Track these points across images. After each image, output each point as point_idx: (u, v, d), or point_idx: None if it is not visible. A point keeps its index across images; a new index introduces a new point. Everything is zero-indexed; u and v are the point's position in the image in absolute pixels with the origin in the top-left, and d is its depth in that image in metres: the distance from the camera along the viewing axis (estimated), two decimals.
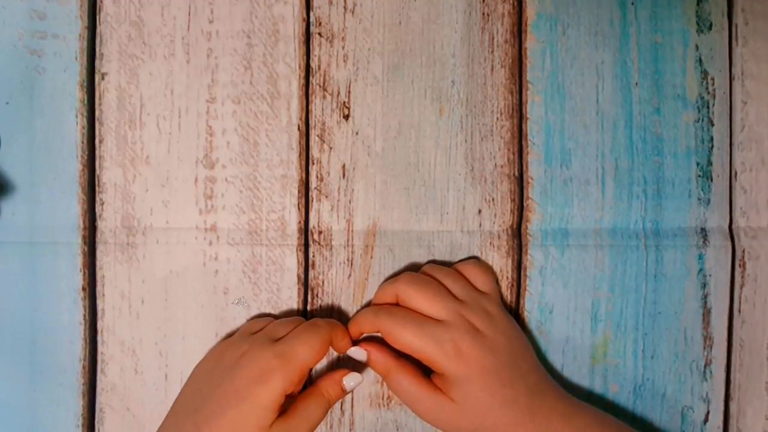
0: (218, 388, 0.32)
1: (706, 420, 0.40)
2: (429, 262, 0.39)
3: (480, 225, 0.39)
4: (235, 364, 0.33)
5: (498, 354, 0.34)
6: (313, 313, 0.39)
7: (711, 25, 0.41)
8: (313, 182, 0.39)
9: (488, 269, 0.38)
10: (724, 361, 0.40)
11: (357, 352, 0.36)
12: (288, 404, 0.33)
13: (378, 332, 0.35)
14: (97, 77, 0.38)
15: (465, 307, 0.35)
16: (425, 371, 0.35)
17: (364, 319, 0.36)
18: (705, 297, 0.40)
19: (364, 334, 0.37)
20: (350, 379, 0.35)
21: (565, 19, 0.40)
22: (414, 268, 0.39)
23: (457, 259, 0.39)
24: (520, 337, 0.37)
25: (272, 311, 0.39)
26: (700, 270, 0.40)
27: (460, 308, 0.35)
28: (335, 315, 0.39)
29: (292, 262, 0.38)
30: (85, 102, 0.38)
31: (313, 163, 0.39)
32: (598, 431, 0.34)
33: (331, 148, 0.39)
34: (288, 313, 0.38)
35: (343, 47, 0.39)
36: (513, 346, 0.35)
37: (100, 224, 0.38)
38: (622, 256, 0.40)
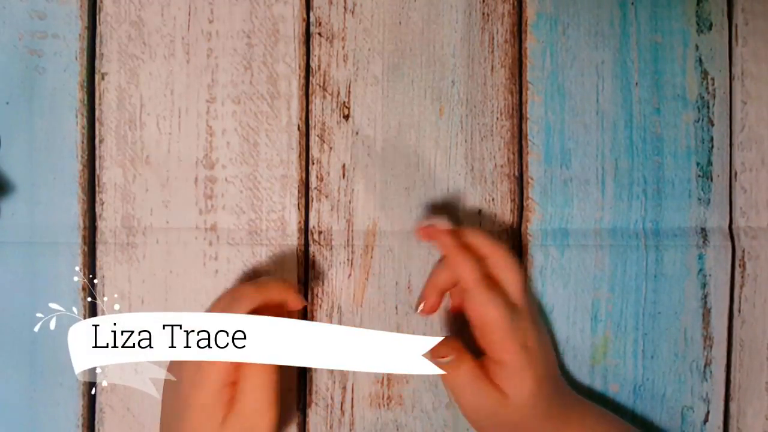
0: (173, 400, 0.33)
1: (706, 420, 0.40)
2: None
3: (480, 225, 0.39)
4: (184, 373, 0.32)
5: (547, 352, 0.36)
6: (313, 313, 0.39)
7: (711, 25, 0.41)
8: (313, 182, 0.39)
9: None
10: (724, 361, 0.40)
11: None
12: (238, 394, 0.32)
13: (468, 280, 0.34)
14: (97, 77, 0.38)
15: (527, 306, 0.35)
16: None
17: (467, 265, 0.34)
18: (705, 297, 0.40)
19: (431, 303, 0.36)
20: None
21: (565, 19, 0.40)
22: (414, 268, 0.39)
23: None
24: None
25: None
26: (700, 270, 0.40)
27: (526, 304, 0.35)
28: (335, 315, 0.39)
29: (292, 262, 0.38)
30: (85, 102, 0.38)
31: (313, 163, 0.39)
32: (606, 429, 0.36)
33: (331, 148, 0.39)
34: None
35: (343, 47, 0.39)
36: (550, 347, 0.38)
37: (100, 224, 0.38)
38: (622, 256, 0.40)
